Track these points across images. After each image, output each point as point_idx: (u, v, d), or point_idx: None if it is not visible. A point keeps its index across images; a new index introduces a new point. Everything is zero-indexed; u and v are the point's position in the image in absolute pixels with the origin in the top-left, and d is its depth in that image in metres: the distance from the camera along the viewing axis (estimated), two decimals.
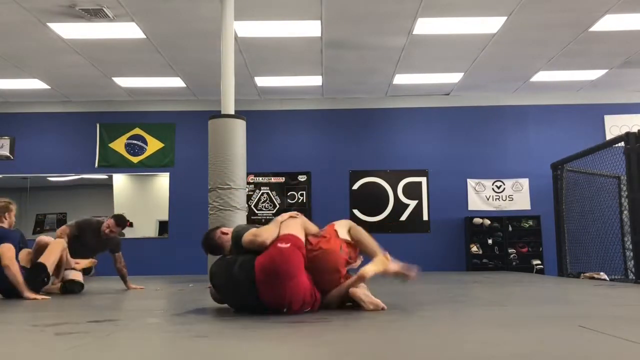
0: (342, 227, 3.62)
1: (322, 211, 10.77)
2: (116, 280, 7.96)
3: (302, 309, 3.33)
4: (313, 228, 3.64)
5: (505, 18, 7.64)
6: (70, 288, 5.75)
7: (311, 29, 7.89)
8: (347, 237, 3.56)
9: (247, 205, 6.75)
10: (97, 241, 6.30)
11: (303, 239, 3.44)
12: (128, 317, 3.57)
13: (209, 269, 6.15)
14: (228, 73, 6.53)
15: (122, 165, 11.27)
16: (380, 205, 11.13)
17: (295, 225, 3.50)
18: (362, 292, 3.45)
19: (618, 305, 3.89)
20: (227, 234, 3.60)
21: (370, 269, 3.41)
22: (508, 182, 11.16)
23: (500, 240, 10.83)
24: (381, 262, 3.47)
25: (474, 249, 10.79)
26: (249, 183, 10.70)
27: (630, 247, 6.51)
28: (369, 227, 11.06)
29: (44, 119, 11.33)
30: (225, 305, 3.77)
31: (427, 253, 10.74)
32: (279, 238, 3.36)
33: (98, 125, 11.32)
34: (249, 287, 3.26)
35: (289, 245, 3.31)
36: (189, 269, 9.77)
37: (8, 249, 5.10)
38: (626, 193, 6.68)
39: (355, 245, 3.59)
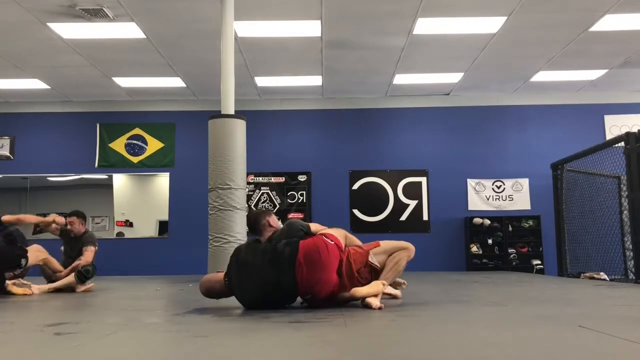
0: (381, 253, 3.75)
1: (322, 211, 10.77)
2: (116, 280, 7.98)
3: (322, 301, 3.57)
4: (356, 240, 3.92)
5: (505, 18, 7.64)
6: (85, 271, 5.82)
7: (311, 29, 7.89)
8: (375, 262, 3.70)
9: (247, 205, 6.75)
10: (68, 241, 6.25)
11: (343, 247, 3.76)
12: (128, 317, 3.57)
13: (209, 268, 6.17)
14: (228, 73, 6.53)
15: (122, 165, 11.27)
16: (380, 205, 11.12)
17: (340, 235, 3.81)
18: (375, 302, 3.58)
19: (618, 305, 3.89)
20: (272, 227, 3.90)
21: (362, 292, 3.55)
22: (508, 182, 11.16)
23: (500, 240, 10.83)
24: (376, 289, 3.58)
25: (474, 249, 10.79)
26: (249, 183, 10.70)
27: (630, 247, 6.50)
28: (369, 227, 11.14)
29: (44, 119, 11.33)
30: (223, 304, 3.78)
31: (427, 253, 10.73)
32: (327, 234, 3.69)
33: (98, 125, 11.32)
34: (289, 263, 3.51)
35: (333, 243, 3.63)
36: (189, 269, 9.76)
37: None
38: (626, 193, 6.68)
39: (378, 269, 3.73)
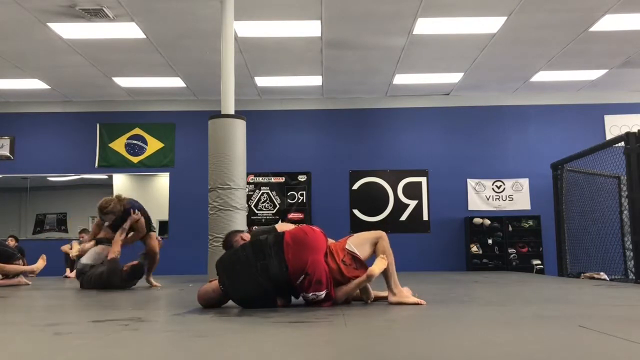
0: (362, 243, 3.82)
1: (322, 211, 10.77)
2: None
3: (317, 286, 3.56)
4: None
5: (505, 18, 7.65)
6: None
7: (311, 29, 7.89)
8: (354, 250, 3.76)
9: (247, 205, 6.75)
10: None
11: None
12: (127, 317, 3.57)
13: (209, 268, 6.19)
14: (228, 73, 6.53)
15: (122, 165, 11.27)
16: (380, 205, 11.13)
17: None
18: (402, 297, 3.76)
19: (618, 305, 3.89)
20: (245, 240, 4.08)
21: (376, 269, 3.70)
22: (508, 182, 11.16)
23: (500, 240, 10.83)
24: (381, 262, 3.73)
25: (474, 249, 10.79)
26: (249, 183, 10.70)
27: (630, 247, 6.50)
28: (369, 227, 11.15)
29: (44, 119, 11.33)
30: (221, 305, 3.78)
31: (427, 253, 10.75)
32: (311, 225, 3.91)
33: (98, 125, 11.33)
34: (275, 246, 3.59)
35: (320, 230, 3.79)
36: (189, 269, 9.76)
37: None
38: (626, 193, 6.68)
39: (362, 259, 3.80)
